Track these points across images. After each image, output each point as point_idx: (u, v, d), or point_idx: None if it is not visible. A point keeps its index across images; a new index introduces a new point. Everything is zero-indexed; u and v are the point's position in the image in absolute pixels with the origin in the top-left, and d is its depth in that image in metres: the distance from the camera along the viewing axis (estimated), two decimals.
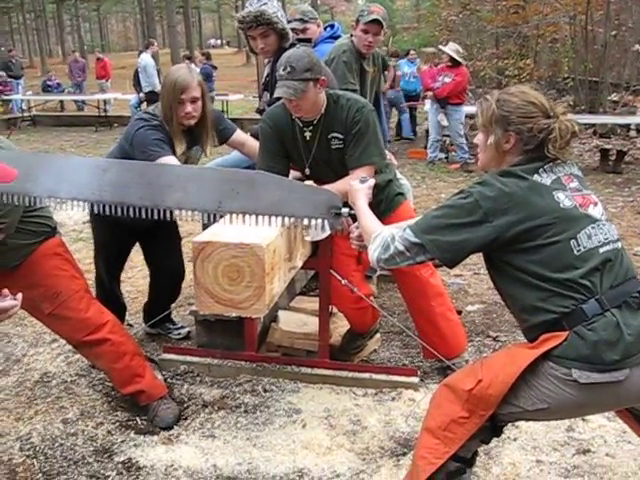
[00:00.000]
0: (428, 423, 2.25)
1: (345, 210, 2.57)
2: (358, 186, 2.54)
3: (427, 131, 10.70)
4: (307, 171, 3.28)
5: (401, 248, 2.12)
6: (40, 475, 2.77)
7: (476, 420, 2.13)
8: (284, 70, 2.98)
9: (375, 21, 4.11)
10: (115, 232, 3.52)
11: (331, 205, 2.54)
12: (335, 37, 4.46)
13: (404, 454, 2.86)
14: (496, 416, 2.14)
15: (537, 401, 2.05)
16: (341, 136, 3.15)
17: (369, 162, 3.14)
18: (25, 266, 2.98)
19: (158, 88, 13.41)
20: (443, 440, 2.17)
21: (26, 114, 16.70)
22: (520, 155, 2.14)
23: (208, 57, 16.66)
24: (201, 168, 3.02)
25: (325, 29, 4.61)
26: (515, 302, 2.15)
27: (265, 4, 3.59)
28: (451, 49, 9.79)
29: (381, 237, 2.19)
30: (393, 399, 3.30)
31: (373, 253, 2.20)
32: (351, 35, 4.24)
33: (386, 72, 12.40)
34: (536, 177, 2.07)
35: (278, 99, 3.21)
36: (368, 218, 2.38)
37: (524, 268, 2.04)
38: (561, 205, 2.04)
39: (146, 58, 13.74)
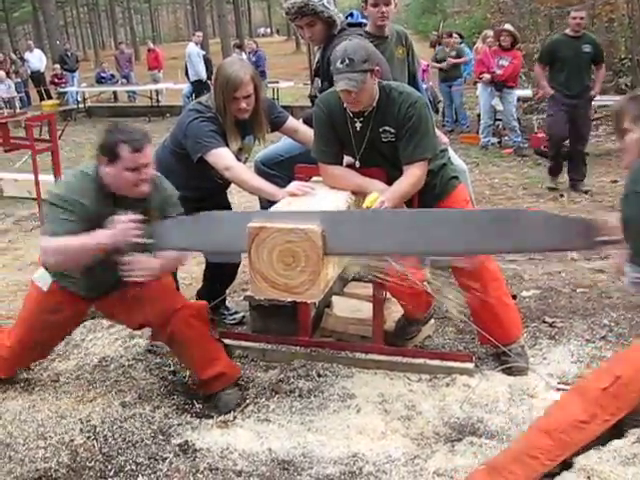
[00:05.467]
0: (547, 422, 2.21)
1: None
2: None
3: (479, 115, 10.50)
4: (357, 164, 3.27)
5: None
6: (100, 456, 2.84)
7: (596, 427, 2.07)
8: (342, 63, 2.95)
9: None
10: None
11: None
12: (357, 25, 4.30)
13: (459, 440, 2.84)
14: (626, 419, 2.08)
15: None
16: (393, 130, 3.12)
17: (422, 157, 3.12)
18: None
19: (203, 76, 13.55)
20: (558, 443, 2.15)
21: (81, 106, 17.01)
22: None
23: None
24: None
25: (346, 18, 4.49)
26: None
27: None
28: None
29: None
30: (447, 385, 3.27)
31: None
32: (365, 24, 4.07)
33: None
34: None
35: (331, 85, 3.19)
36: None
37: None
38: None
39: (190, 47, 13.89)
